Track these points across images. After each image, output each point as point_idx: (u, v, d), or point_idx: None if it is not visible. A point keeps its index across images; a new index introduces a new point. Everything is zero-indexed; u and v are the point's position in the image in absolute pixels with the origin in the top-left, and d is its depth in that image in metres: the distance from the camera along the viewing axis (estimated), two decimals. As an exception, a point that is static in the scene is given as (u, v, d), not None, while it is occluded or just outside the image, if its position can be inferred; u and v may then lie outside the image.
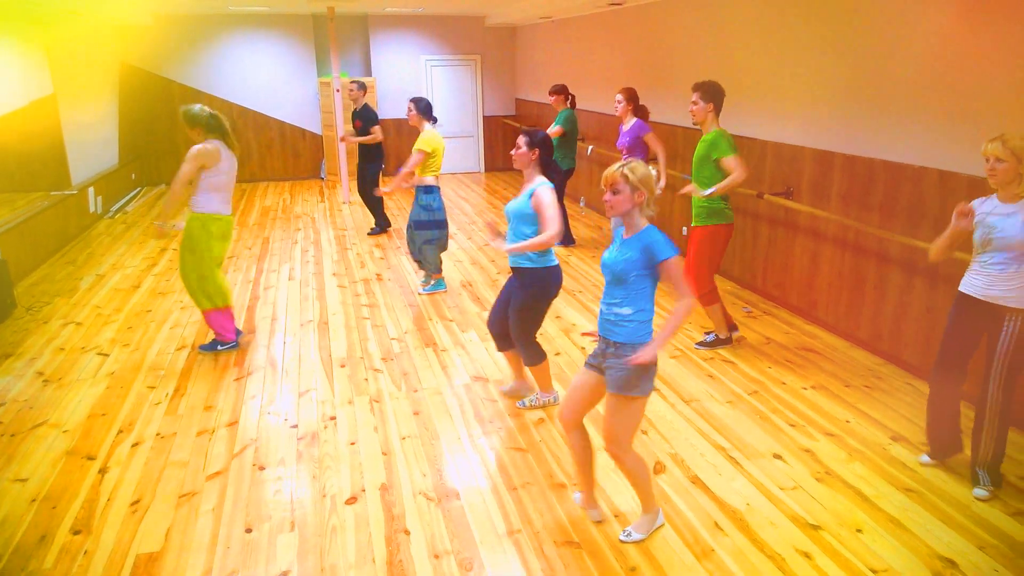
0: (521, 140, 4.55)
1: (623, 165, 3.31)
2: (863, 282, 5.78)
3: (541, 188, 4.45)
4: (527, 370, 5.05)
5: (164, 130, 13.47)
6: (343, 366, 5.67)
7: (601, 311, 3.46)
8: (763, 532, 3.63)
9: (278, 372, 5.58)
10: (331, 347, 6.04)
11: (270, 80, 14.03)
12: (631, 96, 7.48)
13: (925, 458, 4.24)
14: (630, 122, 7.50)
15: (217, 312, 5.84)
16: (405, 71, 14.52)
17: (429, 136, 6.92)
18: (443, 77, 14.87)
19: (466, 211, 11.46)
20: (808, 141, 6.32)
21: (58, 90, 9.39)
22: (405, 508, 3.87)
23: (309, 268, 8.32)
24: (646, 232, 3.31)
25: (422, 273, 7.81)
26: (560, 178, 8.47)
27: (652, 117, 7.82)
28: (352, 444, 4.52)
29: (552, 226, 4.37)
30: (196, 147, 5.47)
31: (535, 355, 4.85)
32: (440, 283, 7.50)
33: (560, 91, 8.77)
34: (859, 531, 3.62)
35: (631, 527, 3.65)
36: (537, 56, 13.83)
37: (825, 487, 4.00)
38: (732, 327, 6.01)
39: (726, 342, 5.95)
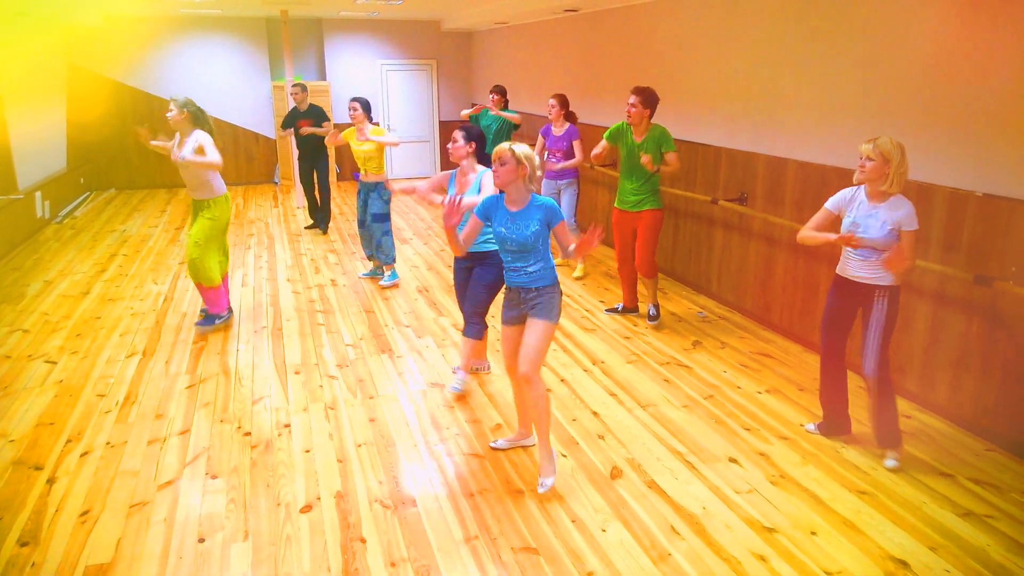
0: (458, 134, 5.03)
1: (510, 145, 3.88)
2: (816, 287, 5.87)
3: (486, 175, 4.87)
4: (466, 347, 5.27)
5: (114, 134, 13.21)
6: (297, 373, 5.61)
7: (515, 271, 4.01)
8: (719, 535, 3.66)
9: (231, 379, 5.50)
10: (285, 354, 5.97)
11: (223, 83, 13.85)
12: (564, 102, 7.90)
13: (811, 426, 4.70)
14: (564, 126, 7.87)
15: (223, 285, 6.42)
16: (360, 75, 14.45)
17: (378, 127, 7.49)
18: (399, 81, 14.83)
19: (423, 216, 11.42)
20: (762, 147, 6.40)
21: (3, 92, 9.15)
22: (361, 516, 3.83)
23: (263, 274, 8.22)
24: (534, 199, 3.93)
25: (370, 265, 8.20)
26: None
27: (607, 120, 8.00)
28: (307, 452, 4.47)
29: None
30: (204, 135, 6.18)
31: (482, 328, 5.19)
32: (395, 273, 7.79)
33: (501, 92, 8.72)
34: (813, 533, 3.67)
35: (541, 477, 4.08)
36: (493, 61, 13.85)
37: (780, 490, 4.05)
38: (632, 308, 6.83)
39: (634, 311, 6.78)
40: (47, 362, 5.79)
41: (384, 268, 7.76)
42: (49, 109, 11.56)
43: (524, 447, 4.47)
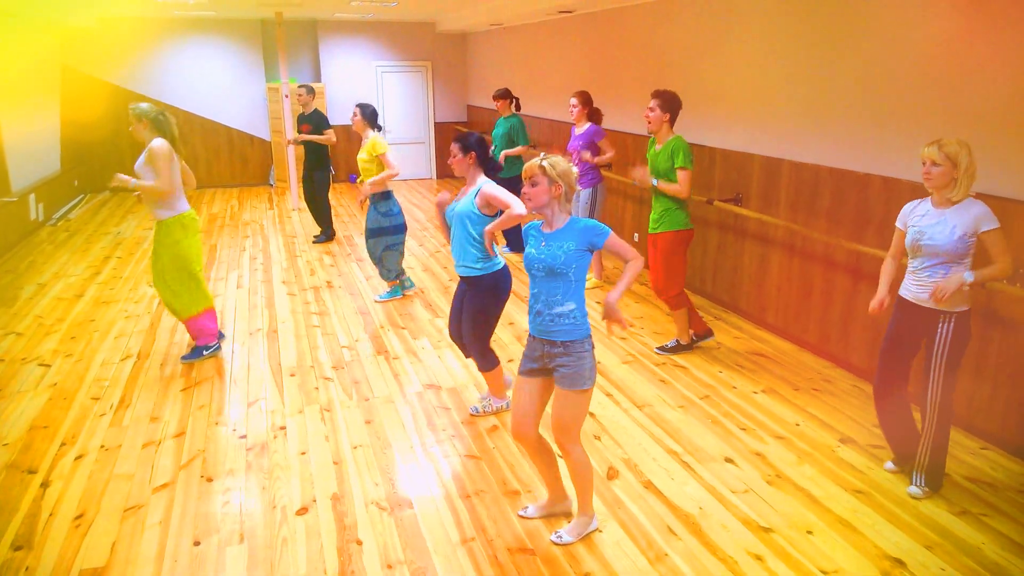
0: (454, 147, 4.60)
1: (543, 158, 3.38)
2: (811, 287, 5.88)
3: (487, 185, 4.51)
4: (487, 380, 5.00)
5: (108, 136, 13.18)
6: (293, 375, 5.60)
7: (538, 312, 3.44)
8: (715, 535, 3.66)
9: (226, 382, 5.48)
10: (281, 356, 5.95)
11: (218, 85, 13.84)
12: (586, 100, 7.45)
13: (890, 465, 4.27)
14: (584, 126, 7.48)
15: (205, 314, 5.79)
16: (355, 77, 14.44)
17: (381, 139, 6.94)
18: (394, 83, 14.82)
19: (418, 218, 11.41)
20: (756, 148, 6.41)
21: (-4, 94, 9.15)
22: (357, 518, 3.82)
23: (258, 276, 8.20)
24: (574, 221, 3.40)
25: (386, 286, 7.60)
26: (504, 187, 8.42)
27: (606, 124, 7.85)
28: (303, 454, 4.46)
29: (515, 203, 4.34)
30: (160, 145, 5.34)
31: (489, 361, 4.84)
32: (396, 290, 7.43)
33: (504, 95, 8.67)
34: (810, 533, 3.67)
35: (563, 529, 3.66)
36: (488, 62, 13.85)
37: (776, 490, 4.05)
38: (703, 334, 6.05)
39: (686, 348, 5.98)
40: (41, 365, 5.77)
41: (388, 284, 7.44)
42: (43, 111, 11.53)
43: (560, 514, 3.84)
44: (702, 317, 6.13)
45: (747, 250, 6.65)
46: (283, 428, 4.79)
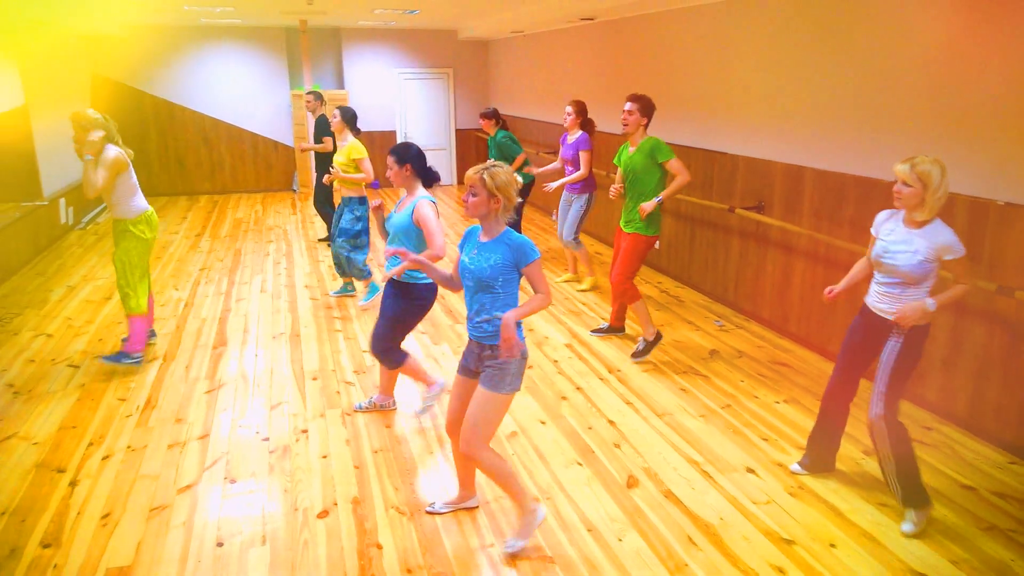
0: (390, 159, 4.49)
1: (484, 169, 3.37)
2: (834, 300, 5.82)
3: (422, 202, 4.43)
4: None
5: (136, 141, 13.30)
6: (315, 379, 5.64)
7: (470, 318, 3.49)
8: (736, 547, 3.64)
9: (250, 385, 5.53)
10: (303, 360, 6.00)
11: (242, 92, 13.97)
12: (581, 109, 7.52)
13: (796, 467, 4.33)
14: (576, 134, 7.54)
15: (145, 317, 5.80)
16: (378, 84, 14.54)
17: (359, 144, 7.11)
18: (416, 90, 14.89)
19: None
20: (779, 156, 6.39)
21: (29, 101, 9.28)
22: (377, 522, 3.84)
23: (281, 280, 8.27)
24: (506, 234, 3.40)
25: (340, 282, 7.81)
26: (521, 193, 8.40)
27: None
28: (324, 457, 4.49)
29: (436, 240, 4.36)
30: (112, 153, 5.41)
31: (397, 359, 4.84)
32: (374, 288, 7.42)
33: (491, 116, 8.59)
34: (833, 546, 3.65)
35: (511, 537, 3.65)
36: (509, 69, 13.89)
37: (798, 501, 4.03)
38: (619, 328, 6.45)
39: (656, 341, 5.98)
40: (70, 366, 5.85)
41: (355, 283, 7.49)
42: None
43: (467, 509, 3.96)
44: (624, 315, 6.49)
45: (769, 258, 6.62)
46: (305, 431, 4.82)
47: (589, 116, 7.62)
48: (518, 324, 3.39)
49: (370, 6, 10.38)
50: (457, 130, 15.29)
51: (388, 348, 4.81)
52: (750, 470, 4.35)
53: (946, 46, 4.77)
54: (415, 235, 4.47)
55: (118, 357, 5.78)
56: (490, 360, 3.44)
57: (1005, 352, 4.47)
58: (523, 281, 3.47)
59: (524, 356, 3.47)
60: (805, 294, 6.19)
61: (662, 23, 8.16)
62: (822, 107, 5.87)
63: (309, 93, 9.55)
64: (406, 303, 4.63)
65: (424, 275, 4.52)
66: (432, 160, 15.88)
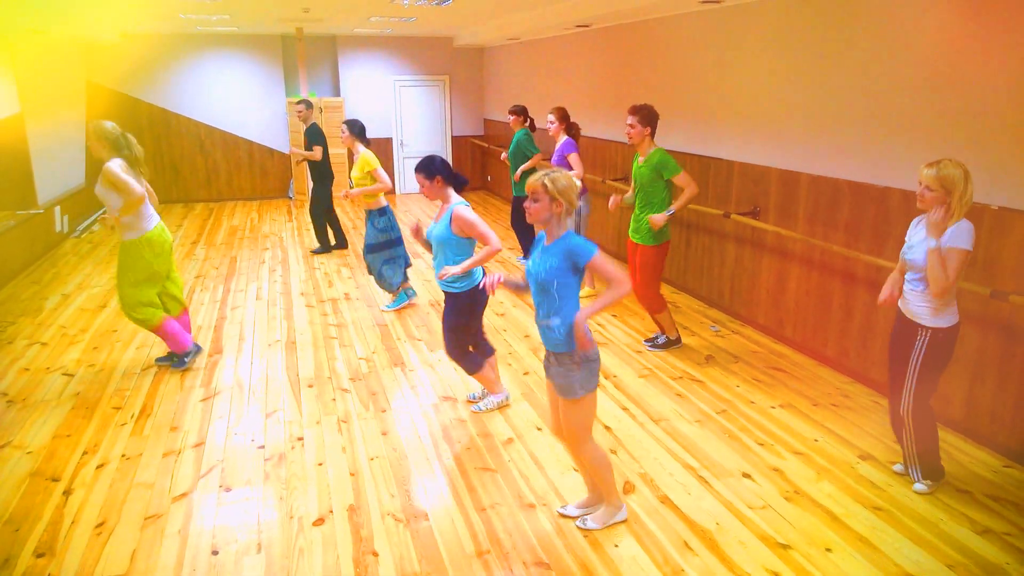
0: (418, 177, 4.72)
1: (546, 174, 3.45)
2: (829, 301, 5.85)
3: (458, 208, 4.62)
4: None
5: (131, 149, 13.34)
6: (311, 386, 5.63)
7: (540, 328, 3.59)
8: (732, 551, 3.64)
9: (245, 392, 5.52)
10: (299, 367, 5.99)
11: (238, 99, 13.98)
12: (563, 116, 7.62)
13: (898, 467, 4.34)
14: (561, 140, 7.62)
15: (177, 319, 5.85)
16: (374, 91, 14.56)
17: (370, 155, 7.19)
18: (412, 97, 14.92)
19: (436, 231, 11.43)
20: (774, 161, 6.40)
21: (25, 108, 9.27)
22: (373, 530, 3.84)
23: (277, 288, 8.26)
24: (565, 237, 3.45)
25: (389, 296, 7.73)
26: (517, 202, 8.43)
27: (620, 135, 7.89)
28: (320, 465, 4.48)
29: (490, 238, 4.60)
30: (118, 164, 5.42)
31: (473, 363, 5.02)
32: (402, 296, 7.49)
33: (520, 112, 8.67)
34: (828, 550, 3.65)
35: (589, 516, 3.81)
36: (505, 76, 13.92)
37: (794, 506, 4.03)
38: (675, 340, 6.40)
39: (676, 343, 6.29)
40: (64, 375, 5.84)
41: (391, 295, 7.51)
42: (69, 125, 11.67)
43: (617, 523, 3.89)
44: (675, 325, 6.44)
45: (765, 264, 6.63)
46: (300, 439, 4.81)
47: (572, 120, 7.73)
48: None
49: (366, 14, 10.40)
50: (453, 137, 15.31)
51: (461, 355, 4.98)
52: (746, 475, 4.34)
53: (941, 52, 4.78)
54: (455, 244, 4.67)
55: (180, 361, 5.90)
56: (554, 368, 3.54)
57: (1000, 356, 4.48)
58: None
59: (590, 359, 3.52)
60: (800, 299, 6.20)
61: (657, 30, 8.18)
62: (817, 113, 5.88)
63: (299, 103, 9.60)
64: (459, 310, 4.83)
65: (468, 281, 4.75)
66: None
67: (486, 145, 14.79)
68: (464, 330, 4.95)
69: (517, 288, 3.78)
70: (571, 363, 3.48)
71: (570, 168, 7.45)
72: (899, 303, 4.03)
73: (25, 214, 9.08)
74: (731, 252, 7.12)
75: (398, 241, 7.32)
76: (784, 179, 6.27)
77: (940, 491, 4.13)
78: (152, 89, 13.54)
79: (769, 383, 5.64)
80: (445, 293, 4.88)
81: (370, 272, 7.41)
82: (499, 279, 3.67)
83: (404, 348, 6.40)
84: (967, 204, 3.62)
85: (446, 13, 10.23)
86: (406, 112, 14.92)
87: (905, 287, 3.96)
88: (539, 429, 4.92)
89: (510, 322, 7.06)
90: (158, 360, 6.01)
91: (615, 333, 6.74)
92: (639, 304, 6.37)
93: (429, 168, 4.69)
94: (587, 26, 9.52)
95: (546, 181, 3.41)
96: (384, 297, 7.80)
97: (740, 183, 6.86)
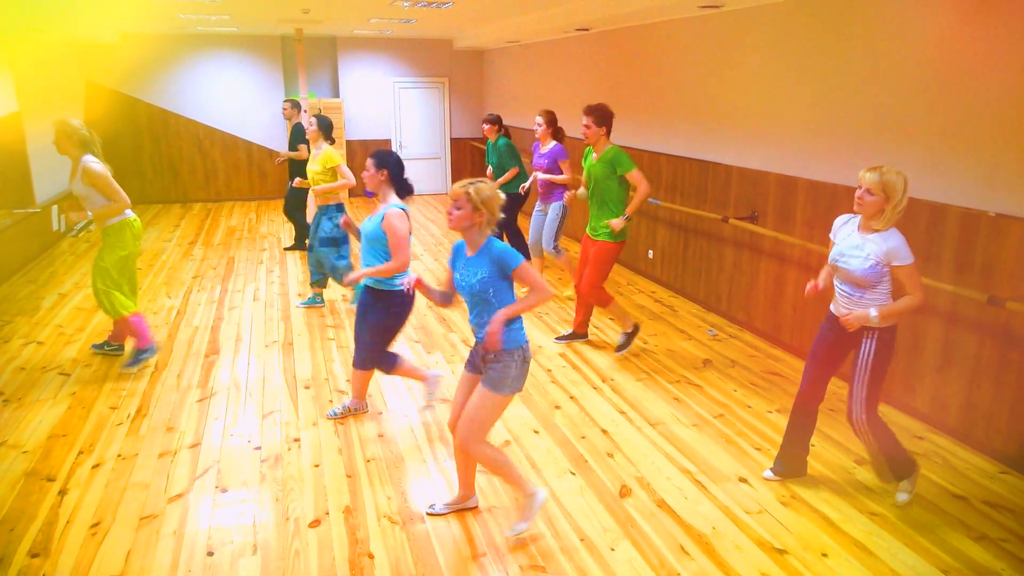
0: (369, 162, 4.60)
1: (469, 183, 3.47)
2: (827, 306, 5.84)
3: (391, 211, 4.52)
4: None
5: (129, 149, 13.36)
6: (308, 387, 5.62)
7: (472, 325, 3.64)
8: (729, 556, 3.64)
9: (242, 393, 5.52)
10: (296, 368, 5.98)
11: (237, 100, 13.98)
12: (551, 119, 7.59)
13: (768, 473, 4.36)
14: (549, 145, 7.58)
15: (140, 315, 5.88)
16: (373, 93, 14.57)
17: (335, 152, 7.16)
18: (411, 99, 14.92)
19: (432, 232, 11.46)
20: (772, 166, 6.41)
21: (23, 108, 9.27)
22: (369, 531, 3.83)
23: (274, 288, 8.25)
24: (488, 246, 3.50)
25: (309, 292, 7.83)
26: (511, 205, 8.38)
27: (617, 139, 7.84)
28: (316, 466, 4.48)
29: (399, 254, 4.49)
30: (95, 162, 5.58)
31: (390, 361, 4.96)
32: (360, 287, 7.39)
33: (494, 121, 8.61)
34: (824, 555, 3.65)
35: (515, 523, 3.77)
36: (505, 79, 13.92)
37: (791, 511, 4.03)
38: (581, 335, 6.61)
39: (635, 332, 6.26)
40: (61, 374, 5.83)
41: (323, 296, 7.61)
42: (67, 125, 11.67)
43: (467, 509, 4.02)
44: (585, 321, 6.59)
45: (763, 268, 6.63)
46: (297, 440, 4.80)
47: (559, 125, 7.69)
48: (518, 324, 3.58)
49: (366, 15, 10.40)
50: (452, 139, 15.31)
51: (377, 358, 4.88)
52: (743, 479, 4.34)
53: (939, 58, 4.79)
54: (384, 242, 4.55)
55: (136, 360, 5.86)
56: (494, 363, 3.55)
57: (996, 362, 4.49)
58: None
59: (526, 359, 3.61)
60: (798, 304, 6.20)
61: (657, 34, 8.19)
62: (815, 118, 5.89)
63: (286, 101, 9.63)
64: (383, 312, 4.71)
65: (392, 281, 4.62)
66: (427, 169, 15.95)
67: (485, 147, 14.78)
68: (392, 332, 4.84)
69: (430, 293, 3.77)
70: (510, 360, 3.54)
71: (559, 172, 7.45)
72: (832, 308, 4.00)
73: (22, 213, 9.06)
74: (729, 256, 7.12)
75: (347, 238, 7.28)
76: (782, 184, 6.27)
77: (936, 497, 4.13)
78: (151, 89, 13.53)
79: (766, 387, 5.64)
80: (371, 291, 4.71)
81: (318, 266, 7.32)
82: (415, 279, 3.66)
83: (401, 350, 6.39)
84: (900, 214, 3.65)
85: (446, 15, 10.25)
86: (405, 114, 14.93)
87: (839, 294, 3.90)
88: (536, 432, 4.92)
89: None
90: (94, 347, 6.16)
91: (613, 337, 6.73)
92: (580, 299, 6.43)
93: (382, 159, 4.59)
94: (587, 30, 9.54)
95: (471, 190, 3.44)
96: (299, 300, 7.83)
97: (738, 188, 6.86)
